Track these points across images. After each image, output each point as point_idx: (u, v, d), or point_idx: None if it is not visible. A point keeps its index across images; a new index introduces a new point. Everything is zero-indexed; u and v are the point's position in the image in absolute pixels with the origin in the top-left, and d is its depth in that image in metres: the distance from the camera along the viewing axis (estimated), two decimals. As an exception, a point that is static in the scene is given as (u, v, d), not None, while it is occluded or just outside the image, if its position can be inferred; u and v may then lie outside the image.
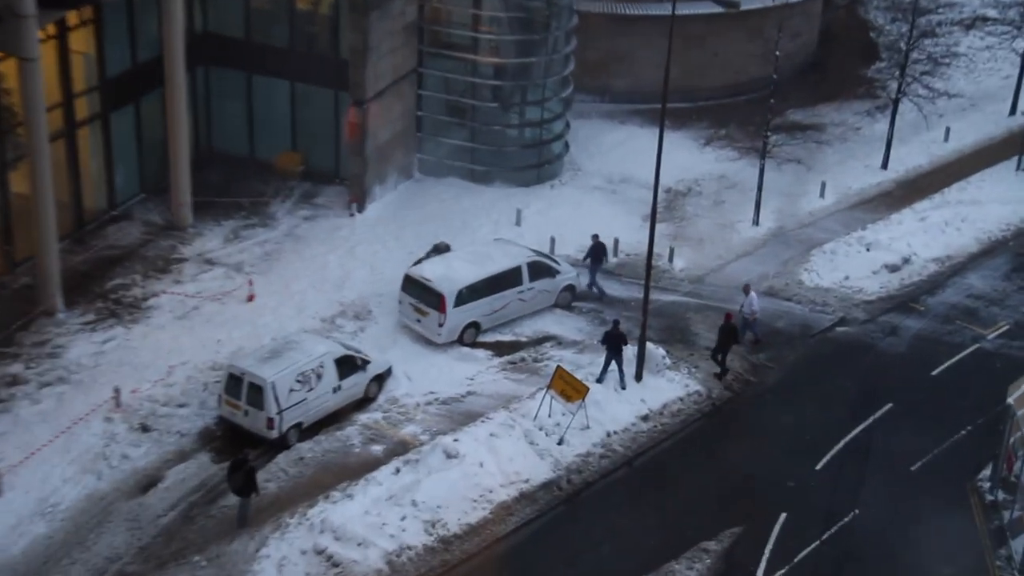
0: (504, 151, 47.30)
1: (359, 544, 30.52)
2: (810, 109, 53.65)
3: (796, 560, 31.18)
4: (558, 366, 34.89)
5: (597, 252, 41.51)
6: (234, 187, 45.60)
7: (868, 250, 43.40)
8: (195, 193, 43.22)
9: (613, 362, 36.07)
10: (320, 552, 30.33)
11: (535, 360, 37.97)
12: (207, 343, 37.41)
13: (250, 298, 39.48)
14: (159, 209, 43.70)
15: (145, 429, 34.21)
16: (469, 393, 36.36)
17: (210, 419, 34.76)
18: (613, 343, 35.92)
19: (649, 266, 35.96)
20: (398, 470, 32.54)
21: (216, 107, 47.08)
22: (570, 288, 40.44)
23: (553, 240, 43.08)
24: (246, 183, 45.97)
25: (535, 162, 47.69)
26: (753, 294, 38.41)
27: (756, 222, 45.54)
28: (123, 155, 43.37)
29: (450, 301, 37.60)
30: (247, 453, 31.99)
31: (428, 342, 38.23)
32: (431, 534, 31.12)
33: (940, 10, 56.29)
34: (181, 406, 35.10)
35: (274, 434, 33.47)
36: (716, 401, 36.60)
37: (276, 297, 39.77)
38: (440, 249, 40.19)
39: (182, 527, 31.45)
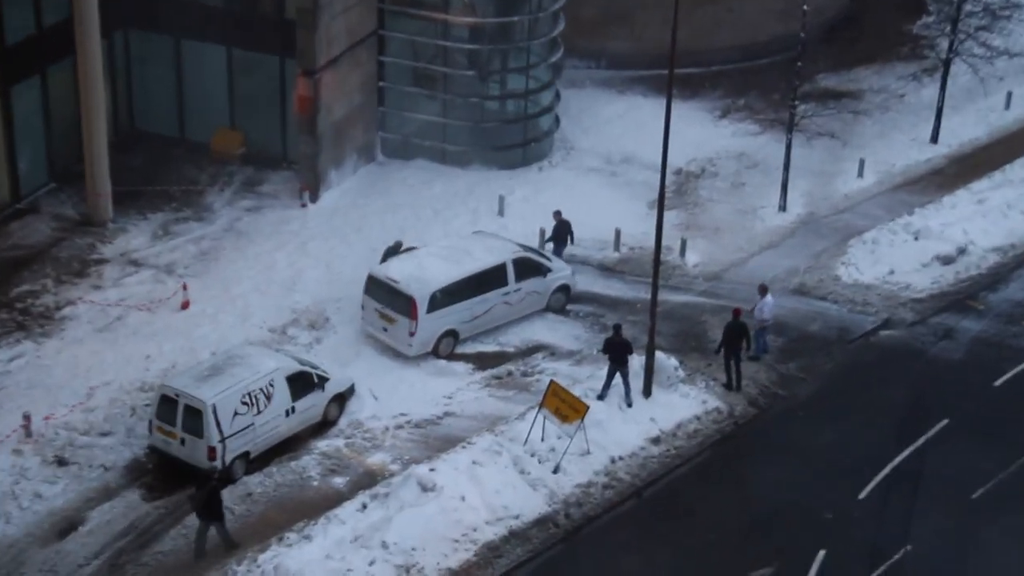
0: (482, 127, 47.61)
1: (320, 594, 30.79)
2: (844, 73, 54.10)
3: (837, 605, 31.66)
4: (552, 381, 35.20)
5: (561, 233, 41.89)
6: (162, 174, 45.78)
7: (916, 239, 43.83)
8: (116, 182, 43.40)
9: (617, 375, 36.42)
10: (274, 605, 30.61)
11: (524, 374, 38.30)
12: (134, 359, 37.60)
13: (184, 305, 39.72)
14: (73, 201, 43.88)
15: (61, 463, 34.39)
16: (447, 414, 36.66)
17: (139, 449, 34.93)
18: (616, 353, 36.26)
19: (657, 261, 36.30)
20: (364, 506, 32.79)
21: (139, 79, 47.29)
22: (564, 289, 40.81)
23: (542, 232, 43.44)
24: (176, 169, 46.16)
25: (519, 140, 48.03)
26: (770, 297, 38.65)
27: (783, 208, 45.97)
28: (27, 137, 43.55)
29: (422, 306, 37.90)
30: (215, 468, 32.49)
31: (397, 355, 38.51)
32: (405, 581, 31.44)
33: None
34: (104, 435, 35.29)
35: (216, 465, 33.67)
36: (739, 419, 36.97)
37: (215, 304, 40.01)
38: (394, 251, 40.31)
39: (108, 578, 31.68)
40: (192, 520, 32.73)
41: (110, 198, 43.22)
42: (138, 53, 46.96)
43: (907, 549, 32.82)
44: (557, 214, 42.33)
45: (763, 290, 38.71)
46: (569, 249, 43.23)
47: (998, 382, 38.57)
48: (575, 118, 50.58)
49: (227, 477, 33.79)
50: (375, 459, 35.08)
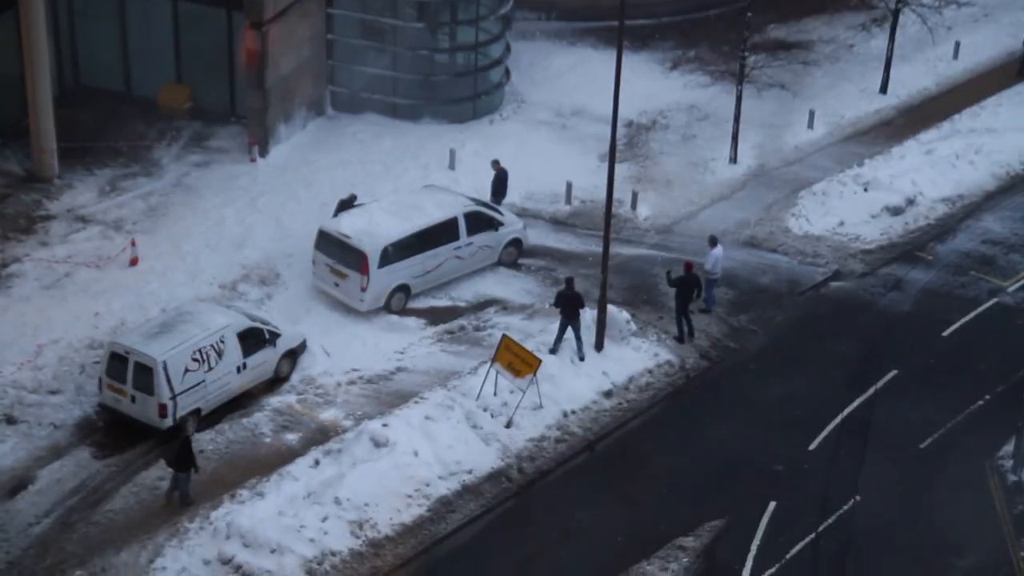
0: (432, 81, 47.49)
1: (273, 551, 30.84)
2: (794, 24, 54.25)
3: (788, 556, 31.88)
4: (504, 335, 35.33)
5: (501, 182, 41.92)
6: (109, 129, 45.47)
7: (866, 190, 44.11)
8: (61, 137, 43.08)
9: (569, 329, 36.57)
10: (227, 562, 30.64)
11: (476, 329, 38.42)
12: (83, 317, 37.48)
13: (133, 262, 39.57)
14: (17, 157, 43.55)
15: (10, 421, 34.29)
16: (399, 369, 36.75)
17: (89, 407, 34.89)
18: (568, 306, 36.40)
19: (608, 214, 36.40)
20: (317, 462, 32.90)
21: (83, 32, 46.86)
22: (516, 242, 40.88)
23: (493, 185, 43.44)
24: (123, 124, 45.85)
25: (470, 93, 47.94)
26: (719, 249, 38.84)
27: (733, 160, 46.14)
28: (-30, 93, 43.24)
29: (373, 260, 37.89)
30: (186, 420, 33.01)
31: (349, 310, 38.54)
32: (358, 536, 31.53)
33: None
34: (53, 393, 35.21)
35: (168, 423, 33.65)
36: (690, 372, 37.23)
37: (164, 260, 39.88)
38: (347, 204, 40.28)
39: (59, 536, 31.59)
40: (142, 478, 32.81)
41: (56, 154, 42.92)
42: (81, 6, 46.50)
43: (856, 499, 33.21)
44: (495, 163, 42.30)
45: (712, 242, 38.89)
46: (520, 201, 43.29)
47: (946, 332, 38.97)
48: (525, 71, 50.52)
49: (179, 434, 33.83)
50: (327, 415, 35.15)
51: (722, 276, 39.39)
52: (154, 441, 33.76)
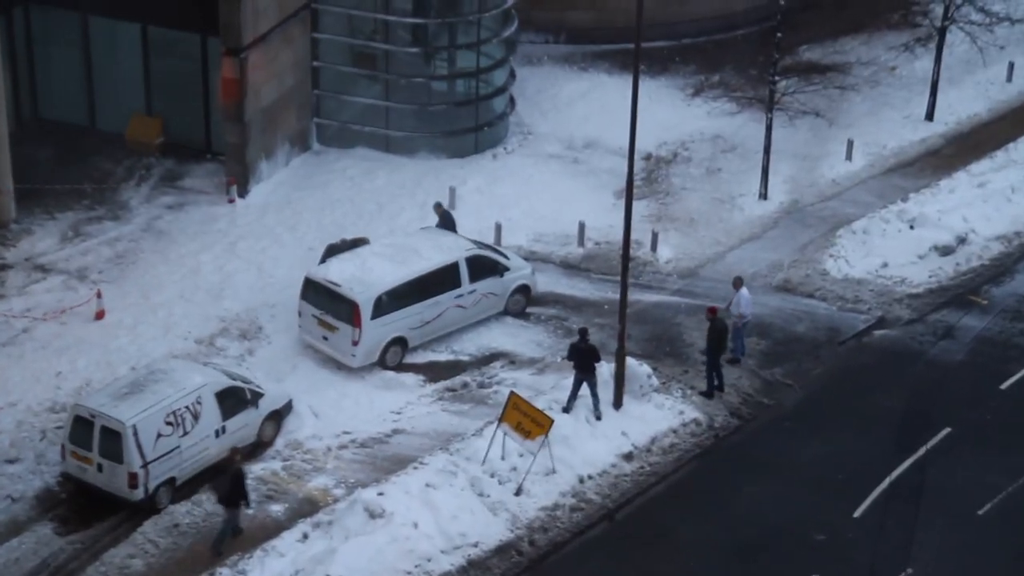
0: (429, 111, 47.66)
1: (257, 636, 30.86)
2: (829, 44, 54.45)
3: (832, 636, 31.95)
4: (512, 393, 35.28)
5: (445, 227, 41.85)
6: (71, 168, 45.58)
7: (912, 228, 44.14)
8: (18, 178, 43.19)
9: (584, 385, 36.53)
10: (206, 649, 30.62)
11: (481, 386, 38.38)
12: (43, 377, 37.46)
13: (99, 315, 39.60)
14: (-29, 200, 43.73)
15: (-36, 494, 34.33)
16: (396, 432, 36.70)
17: (51, 477, 34.79)
18: (583, 360, 36.37)
19: (626, 257, 36.42)
20: (306, 536, 32.80)
21: (42, 61, 47.05)
22: (524, 289, 40.90)
23: (499, 227, 43.54)
24: (87, 162, 45.98)
25: (471, 125, 48.11)
26: (744, 291, 38.82)
27: (764, 195, 46.21)
28: (-81, 129, 43.33)
29: (366, 311, 37.91)
30: (236, 451, 33.26)
31: (340, 366, 38.52)
32: (352, 619, 31.52)
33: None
34: (11, 462, 35.13)
35: (139, 494, 33.57)
36: (719, 432, 37.17)
37: (134, 312, 39.90)
38: (338, 250, 40.31)
39: (19, 623, 31.65)
40: (111, 556, 32.71)
41: (12, 196, 43.03)
42: (40, 32, 46.73)
43: (908, 572, 33.05)
44: (438, 206, 42.21)
45: (738, 283, 38.91)
46: (528, 244, 43.35)
47: (1004, 385, 38.92)
48: (532, 99, 50.67)
49: (151, 506, 33.74)
50: (316, 483, 35.06)
51: (753, 324, 39.35)
52: (123, 514, 33.66)
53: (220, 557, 32.40)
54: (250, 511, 33.24)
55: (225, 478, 32.72)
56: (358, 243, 40.25)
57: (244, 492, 32.82)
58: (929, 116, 50.41)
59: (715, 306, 38.13)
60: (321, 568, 31.75)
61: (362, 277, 38.36)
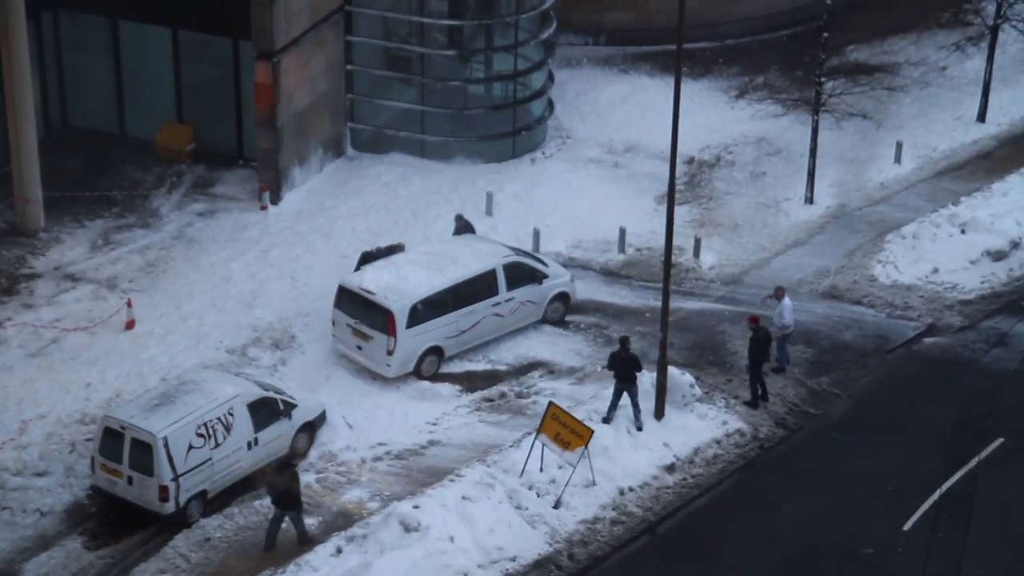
0: (466, 115, 47.74)
1: (290, 652, 30.99)
2: (878, 44, 54.28)
3: (881, 653, 31.87)
4: (551, 403, 35.30)
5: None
6: (101, 176, 45.84)
7: (963, 232, 44.00)
8: (47, 186, 43.47)
9: (624, 395, 36.55)
10: (238, 665, 30.77)
11: (519, 396, 38.43)
12: (72, 388, 37.66)
13: (129, 325, 39.79)
14: (-1, 208, 44.05)
15: (-8, 508, 34.54)
16: (431, 443, 36.76)
17: (80, 491, 34.97)
18: (623, 369, 36.37)
19: (668, 264, 36.41)
20: (339, 550, 32.85)
21: (71, 67, 47.33)
22: (563, 297, 40.92)
23: (537, 233, 43.59)
24: (117, 170, 46.23)
25: (508, 129, 48.17)
26: (787, 300, 38.70)
27: (810, 200, 46.13)
28: (-54, 136, 43.67)
29: (401, 320, 37.99)
30: (296, 453, 34.74)
31: (374, 376, 38.62)
32: (387, 635, 31.59)
33: None
34: (40, 475, 35.32)
35: (169, 507, 33.70)
36: (764, 442, 37.11)
37: (164, 322, 40.09)
38: (373, 257, 40.41)
39: (48, 639, 31.85)
40: (140, 571, 32.85)
41: (41, 205, 43.28)
42: (69, 38, 47.00)
43: (959, 587, 33.00)
44: (459, 218, 42.19)
45: (780, 294, 38.80)
46: (567, 250, 43.42)
47: (1059, 394, 38.80)
48: (571, 103, 50.71)
49: (182, 519, 33.88)
50: (350, 496, 35.15)
51: (799, 332, 39.29)
52: (154, 528, 33.84)
53: (310, 544, 33.09)
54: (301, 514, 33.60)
55: (281, 479, 33.08)
56: (394, 250, 40.35)
57: (298, 497, 33.13)
58: (981, 117, 50.24)
59: (757, 315, 38.09)
60: (356, 583, 31.90)
61: (397, 285, 38.44)
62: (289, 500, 33.04)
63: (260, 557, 33.19)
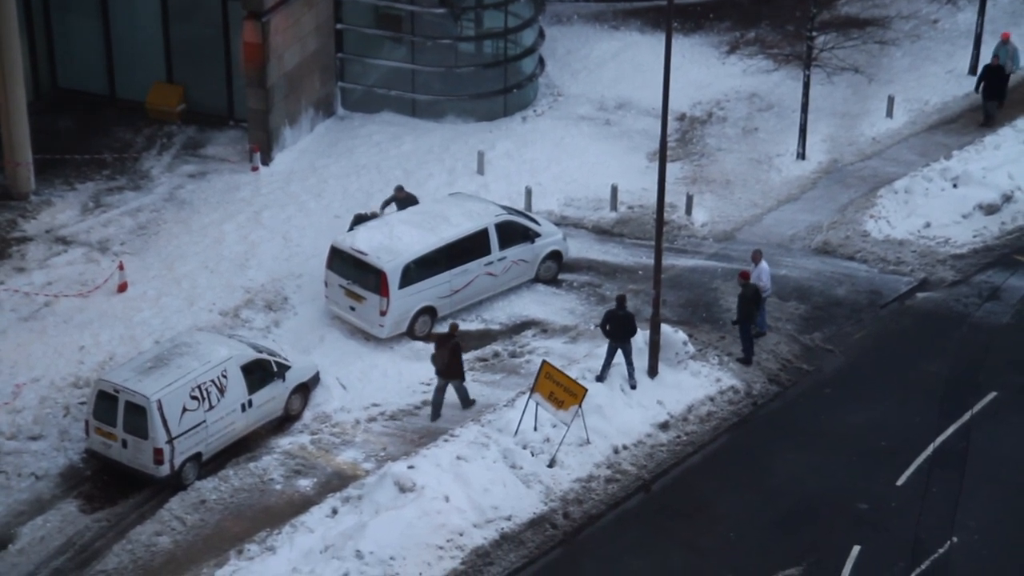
0: (457, 73, 47.64)
1: (287, 613, 31.05)
2: (869, -2, 54.28)
3: (875, 607, 31.94)
4: (544, 362, 35.34)
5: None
6: (91, 138, 45.76)
7: (955, 186, 43.98)
8: (37, 149, 43.38)
9: (618, 353, 36.59)
10: (235, 627, 30.87)
11: (513, 355, 38.48)
12: (65, 351, 37.69)
13: (121, 287, 39.79)
14: (-11, 172, 43.96)
15: (-14, 472, 34.60)
16: (425, 403, 36.80)
17: (75, 454, 35.07)
18: (617, 328, 36.40)
19: (660, 221, 36.39)
20: (335, 511, 33.00)
21: (60, 28, 47.18)
22: (555, 255, 40.94)
23: (529, 191, 43.56)
24: (107, 132, 46.16)
25: (499, 87, 48.08)
26: (764, 264, 38.56)
27: (802, 155, 46.10)
28: (-64, 100, 43.54)
29: (394, 280, 38.01)
30: (455, 325, 36.36)
31: (368, 337, 38.66)
32: (383, 595, 31.65)
33: None
34: (34, 439, 35.41)
35: (164, 470, 33.81)
36: (758, 399, 37.19)
37: (157, 284, 40.09)
38: (365, 219, 40.38)
39: (45, 602, 31.90)
40: (137, 534, 32.96)
41: (31, 168, 43.20)
42: (58, -1, 46.99)
43: (953, 541, 33.04)
44: (399, 189, 41.64)
45: (757, 256, 38.50)
46: (560, 209, 43.42)
47: (1052, 347, 38.88)
48: (562, 60, 50.62)
49: (178, 482, 33.97)
50: (345, 457, 35.25)
51: (792, 288, 39.32)
52: (149, 491, 33.91)
53: (472, 405, 36.16)
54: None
55: (444, 351, 35.46)
56: (365, 217, 40.10)
57: (460, 367, 35.69)
58: (973, 70, 50.13)
59: (747, 271, 38.08)
60: (351, 543, 31.90)
61: (390, 245, 38.43)
62: (453, 370, 35.44)
63: (256, 518, 33.34)
